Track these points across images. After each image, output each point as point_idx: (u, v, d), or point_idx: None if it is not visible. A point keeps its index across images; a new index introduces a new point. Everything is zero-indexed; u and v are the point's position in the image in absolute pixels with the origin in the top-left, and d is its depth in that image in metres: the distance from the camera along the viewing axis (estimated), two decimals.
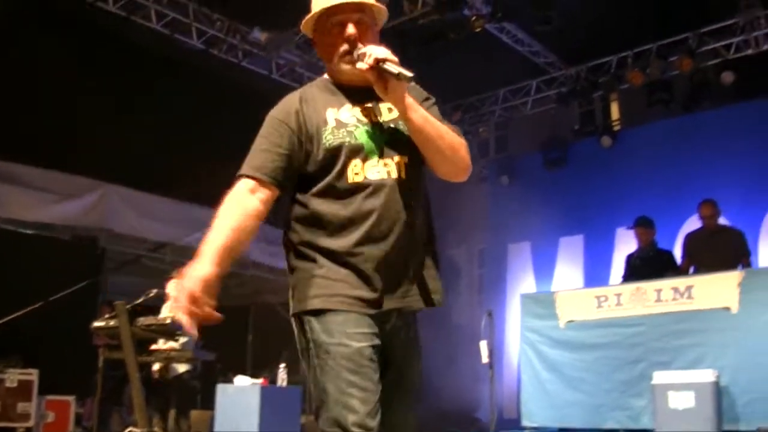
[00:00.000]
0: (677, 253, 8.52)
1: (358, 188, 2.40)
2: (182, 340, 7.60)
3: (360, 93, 2.52)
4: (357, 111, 2.51)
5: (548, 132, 11.53)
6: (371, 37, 2.51)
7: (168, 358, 7.57)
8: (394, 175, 2.42)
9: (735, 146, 9.52)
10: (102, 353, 7.09)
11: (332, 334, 2.33)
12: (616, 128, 11.12)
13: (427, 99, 2.58)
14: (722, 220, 8.21)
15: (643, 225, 8.42)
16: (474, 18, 9.35)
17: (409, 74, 2.35)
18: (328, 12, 2.49)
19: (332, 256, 2.40)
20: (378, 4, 2.55)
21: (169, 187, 10.48)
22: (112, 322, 6.62)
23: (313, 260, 2.43)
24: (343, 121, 2.47)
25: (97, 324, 6.94)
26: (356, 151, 2.42)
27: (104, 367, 7.20)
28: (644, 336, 6.87)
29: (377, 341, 2.36)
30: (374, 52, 2.38)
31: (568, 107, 11.20)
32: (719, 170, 9.44)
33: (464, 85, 11.29)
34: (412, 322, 2.52)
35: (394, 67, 2.36)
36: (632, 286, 7.11)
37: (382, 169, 2.42)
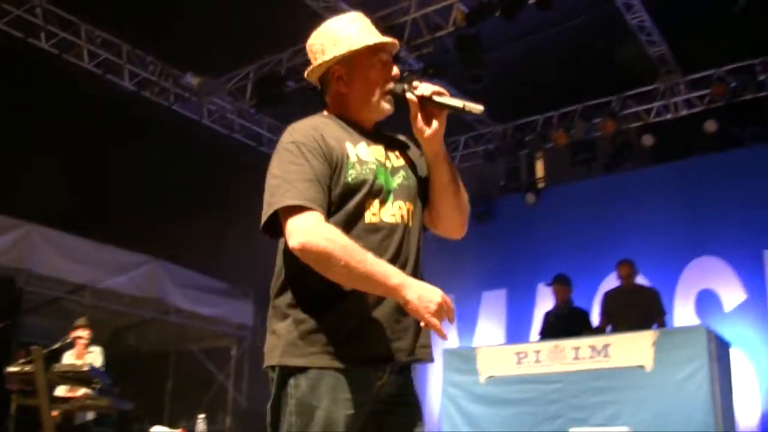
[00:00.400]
0: (595, 310, 8.73)
1: (374, 230, 2.30)
2: (98, 387, 7.44)
3: (370, 134, 2.48)
4: (373, 150, 2.41)
5: (475, 187, 11.70)
6: None
7: (84, 405, 7.40)
8: (405, 221, 2.36)
9: (653, 207, 9.84)
10: (15, 399, 6.87)
11: (320, 398, 2.20)
12: (541, 186, 11.35)
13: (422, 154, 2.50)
14: (640, 279, 8.45)
15: (560, 282, 8.63)
16: (405, 74, 9.51)
17: (479, 107, 2.32)
18: (377, 48, 2.44)
19: (335, 305, 2.25)
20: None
21: (90, 229, 10.30)
22: (27, 368, 6.45)
23: (311, 310, 2.26)
24: (362, 158, 2.36)
25: (11, 369, 6.73)
26: (377, 191, 2.33)
27: (17, 413, 6.98)
28: (562, 392, 6.93)
29: (364, 403, 2.25)
30: (428, 85, 2.36)
31: (494, 163, 11.40)
32: (638, 230, 9.73)
33: None
34: (406, 375, 2.40)
35: (455, 101, 2.33)
36: (551, 344, 7.21)
37: (396, 212, 2.35)
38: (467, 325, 11.01)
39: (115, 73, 9.93)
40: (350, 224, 2.28)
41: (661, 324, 7.80)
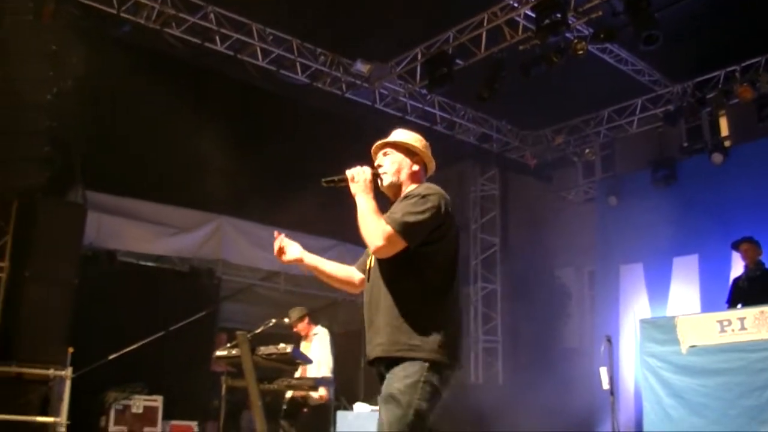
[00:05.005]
0: None
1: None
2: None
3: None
4: None
5: (655, 150, 11.35)
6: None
7: (289, 386, 7.74)
8: (371, 267, 3.41)
9: None
10: (224, 381, 7.29)
11: None
12: (727, 144, 10.80)
13: (405, 198, 3.31)
14: None
15: (748, 242, 8.24)
16: (575, 41, 9.29)
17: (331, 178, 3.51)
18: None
19: None
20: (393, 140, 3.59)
21: (278, 218, 10.73)
22: (234, 351, 6.79)
23: None
24: None
25: (219, 353, 7.13)
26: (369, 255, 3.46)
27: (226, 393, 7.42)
28: None
29: None
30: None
31: (675, 124, 10.96)
32: None
33: (567, 107, 11.23)
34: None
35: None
36: (756, 310, 6.89)
37: (370, 265, 3.43)
38: (659, 293, 10.68)
39: (288, 67, 10.23)
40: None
41: None
